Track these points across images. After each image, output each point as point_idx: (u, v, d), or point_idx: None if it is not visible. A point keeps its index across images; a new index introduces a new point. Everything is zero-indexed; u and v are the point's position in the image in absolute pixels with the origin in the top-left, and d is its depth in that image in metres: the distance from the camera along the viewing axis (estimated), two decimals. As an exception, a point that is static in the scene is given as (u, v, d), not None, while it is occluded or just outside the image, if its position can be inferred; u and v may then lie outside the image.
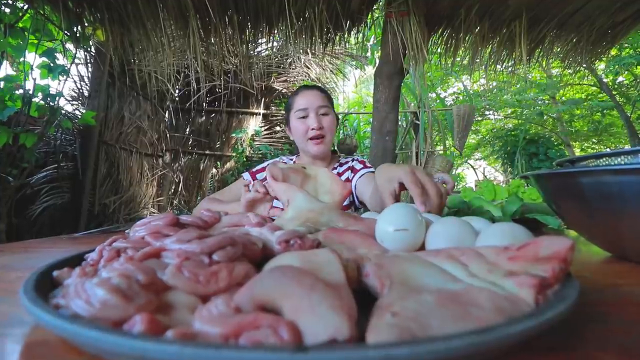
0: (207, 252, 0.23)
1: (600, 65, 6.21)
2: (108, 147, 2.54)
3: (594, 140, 8.24)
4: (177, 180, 3.48)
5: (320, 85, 3.46)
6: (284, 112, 3.93)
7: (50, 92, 1.74)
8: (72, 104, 2.40)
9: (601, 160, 0.43)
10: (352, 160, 1.09)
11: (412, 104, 4.34)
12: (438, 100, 4.65)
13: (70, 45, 2.02)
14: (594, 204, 0.38)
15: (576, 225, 0.43)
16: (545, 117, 7.34)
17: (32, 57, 1.71)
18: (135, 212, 3.06)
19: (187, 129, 3.58)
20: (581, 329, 0.21)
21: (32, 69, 1.70)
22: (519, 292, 0.20)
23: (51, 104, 1.75)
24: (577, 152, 7.86)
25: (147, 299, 0.17)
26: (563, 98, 7.42)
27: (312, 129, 1.00)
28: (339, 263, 0.23)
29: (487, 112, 7.66)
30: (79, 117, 2.24)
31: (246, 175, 1.09)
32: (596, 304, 0.25)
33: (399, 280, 0.22)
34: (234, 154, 3.56)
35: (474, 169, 8.06)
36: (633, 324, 0.21)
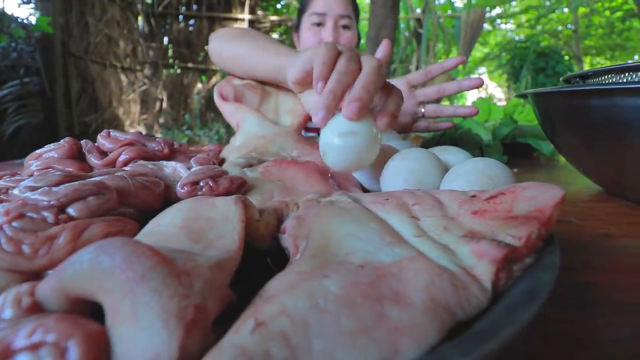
0: (58, 205, 0.17)
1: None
2: (77, 60, 2.30)
3: (606, 55, 7.66)
4: (161, 97, 3.28)
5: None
6: (273, 19, 3.52)
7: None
8: (24, 8, 2.09)
9: (620, 76, 0.34)
10: None
11: (418, 10, 3.86)
12: (446, 5, 4.14)
13: None
14: (598, 132, 0.31)
15: (571, 155, 0.37)
16: (560, 28, 6.68)
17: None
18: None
19: (165, 39, 3.23)
20: (552, 318, 0.16)
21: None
22: (476, 266, 0.14)
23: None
24: (587, 68, 7.35)
25: None
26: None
27: None
28: (238, 220, 0.17)
29: (497, 21, 6.93)
30: (34, 24, 1.97)
31: None
32: (581, 270, 0.19)
33: (317, 244, 0.16)
34: (219, 68, 3.29)
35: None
36: (624, 309, 0.16)
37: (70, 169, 0.28)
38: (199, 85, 3.41)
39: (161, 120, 3.32)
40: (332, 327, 0.10)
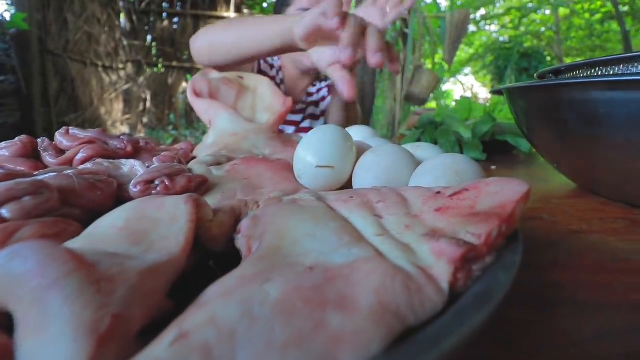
0: (-13, 205, 0.15)
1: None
2: (55, 58, 2.23)
3: (587, 56, 7.87)
4: (144, 97, 3.21)
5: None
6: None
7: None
8: (-1, 3, 2.01)
9: (592, 70, 0.34)
10: None
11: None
12: (431, 5, 4.17)
13: None
14: (569, 127, 0.31)
15: (545, 151, 0.37)
16: (543, 29, 6.83)
17: None
18: (102, 131, 2.88)
19: (148, 37, 3.16)
20: (514, 320, 0.16)
21: None
22: (434, 266, 0.14)
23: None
24: (569, 68, 7.52)
25: None
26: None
27: None
28: (187, 220, 0.15)
29: (482, 22, 7.05)
30: (9, 21, 1.90)
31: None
32: (547, 268, 0.19)
33: (269, 245, 0.15)
34: (210, 64, 3.24)
35: (462, 85, 7.73)
36: (587, 309, 0.15)
37: (22, 169, 0.27)
38: (184, 85, 3.36)
39: (145, 120, 3.25)
40: (263, 337, 0.09)
